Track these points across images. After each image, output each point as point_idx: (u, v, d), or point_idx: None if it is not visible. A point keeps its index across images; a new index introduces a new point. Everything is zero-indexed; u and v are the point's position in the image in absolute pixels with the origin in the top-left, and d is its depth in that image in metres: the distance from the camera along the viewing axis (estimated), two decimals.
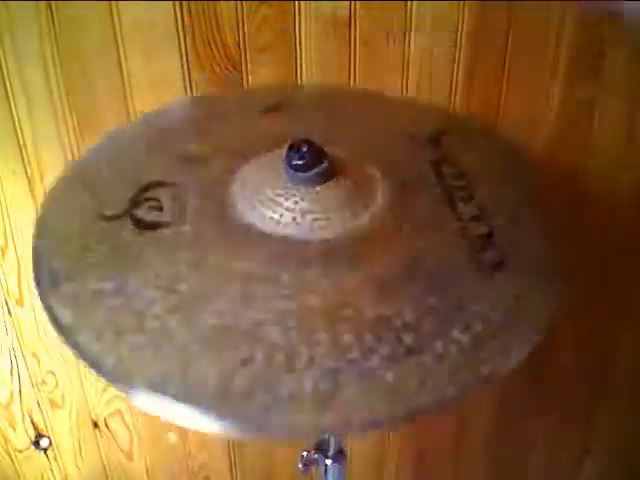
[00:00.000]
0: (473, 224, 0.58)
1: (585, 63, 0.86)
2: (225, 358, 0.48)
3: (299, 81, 0.85)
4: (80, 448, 1.10)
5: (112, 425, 1.09)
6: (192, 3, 0.78)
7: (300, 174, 0.58)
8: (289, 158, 0.58)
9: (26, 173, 0.86)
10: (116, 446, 1.11)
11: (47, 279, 0.54)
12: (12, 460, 1.09)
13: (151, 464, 1.15)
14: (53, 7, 0.76)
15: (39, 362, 1.00)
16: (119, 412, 1.07)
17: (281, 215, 0.58)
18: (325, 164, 0.58)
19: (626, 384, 1.12)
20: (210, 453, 1.14)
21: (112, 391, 1.04)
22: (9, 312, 0.95)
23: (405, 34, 0.83)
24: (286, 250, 0.56)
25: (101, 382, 1.03)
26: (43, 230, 0.59)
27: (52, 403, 1.04)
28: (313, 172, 0.58)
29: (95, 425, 1.08)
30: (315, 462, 0.79)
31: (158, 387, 0.46)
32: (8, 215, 0.89)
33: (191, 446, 1.13)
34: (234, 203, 0.60)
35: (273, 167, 0.60)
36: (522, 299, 0.52)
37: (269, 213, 0.58)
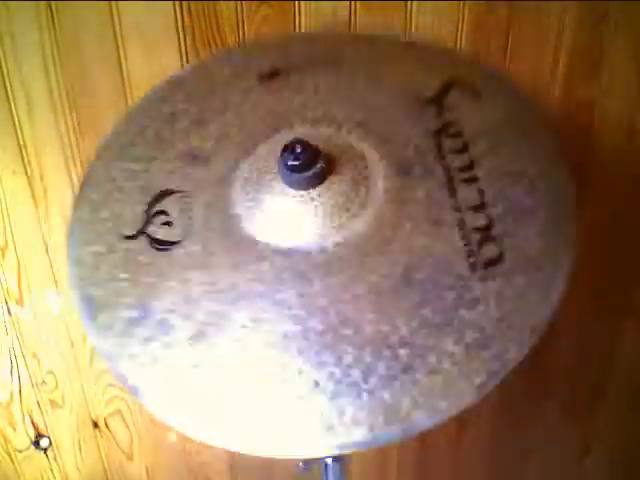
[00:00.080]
0: (471, 215, 0.57)
1: (585, 63, 0.86)
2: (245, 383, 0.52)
3: None
4: (80, 448, 1.10)
5: (112, 425, 1.09)
6: (192, 3, 0.78)
7: (295, 175, 0.58)
8: (284, 159, 0.58)
9: (26, 173, 0.86)
10: (116, 446, 1.11)
11: (86, 310, 0.57)
12: (12, 460, 1.09)
13: (151, 464, 1.15)
14: (53, 7, 0.76)
15: (39, 362, 1.00)
16: (119, 412, 1.07)
17: (280, 225, 0.59)
18: (320, 164, 0.58)
19: (626, 384, 1.12)
20: (210, 453, 1.14)
21: (112, 391, 1.04)
22: (9, 312, 0.95)
23: (405, 34, 0.83)
24: (288, 264, 0.56)
25: (101, 382, 1.03)
26: (74, 256, 0.61)
27: (52, 403, 1.04)
28: (308, 173, 0.58)
29: (95, 425, 1.08)
30: (315, 461, 0.79)
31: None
32: (8, 215, 0.88)
33: (191, 446, 1.13)
34: (237, 213, 0.60)
35: (269, 168, 0.60)
36: (518, 299, 0.52)
37: (268, 224, 0.59)
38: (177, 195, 0.62)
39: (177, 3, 0.78)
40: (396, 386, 0.48)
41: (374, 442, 0.47)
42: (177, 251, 0.59)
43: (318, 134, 0.63)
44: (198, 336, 0.53)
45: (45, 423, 1.06)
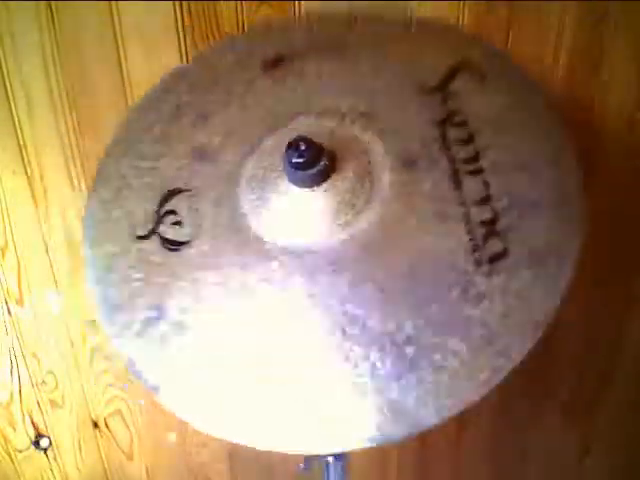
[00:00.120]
0: (477, 208, 0.56)
1: (585, 63, 0.86)
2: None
3: None
4: (80, 448, 1.10)
5: (112, 425, 1.09)
6: (192, 3, 0.78)
7: (300, 173, 0.58)
8: (288, 156, 0.58)
9: (26, 173, 0.86)
10: (116, 446, 1.11)
11: (106, 312, 0.58)
12: (12, 460, 1.09)
13: (151, 464, 1.15)
14: (53, 7, 0.76)
15: (39, 362, 1.00)
16: (119, 412, 1.07)
17: (287, 224, 0.59)
18: (324, 161, 0.58)
19: (626, 384, 1.12)
20: (210, 453, 1.14)
21: (112, 391, 1.04)
22: (9, 312, 0.95)
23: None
24: (295, 264, 0.56)
25: (101, 382, 1.03)
26: (91, 257, 0.62)
27: (52, 403, 1.04)
28: (312, 170, 0.58)
29: (95, 425, 1.08)
30: (316, 460, 0.79)
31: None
32: (8, 215, 0.88)
33: (191, 446, 1.13)
34: (244, 212, 0.61)
35: (274, 165, 0.60)
36: (523, 294, 0.52)
37: (275, 223, 0.59)
38: (186, 194, 0.62)
39: (177, 3, 0.78)
40: (402, 384, 0.48)
41: (383, 440, 0.47)
42: (187, 251, 0.59)
43: (322, 127, 0.63)
44: (209, 334, 0.53)
45: (45, 423, 1.06)
